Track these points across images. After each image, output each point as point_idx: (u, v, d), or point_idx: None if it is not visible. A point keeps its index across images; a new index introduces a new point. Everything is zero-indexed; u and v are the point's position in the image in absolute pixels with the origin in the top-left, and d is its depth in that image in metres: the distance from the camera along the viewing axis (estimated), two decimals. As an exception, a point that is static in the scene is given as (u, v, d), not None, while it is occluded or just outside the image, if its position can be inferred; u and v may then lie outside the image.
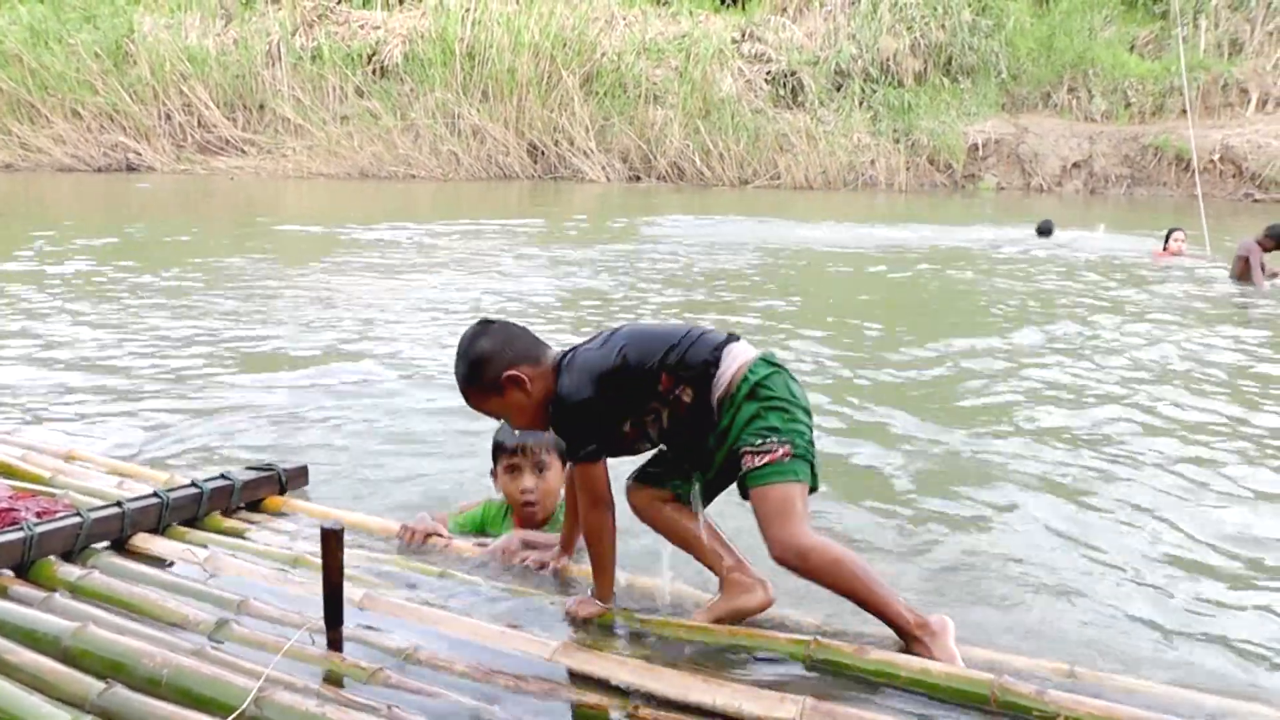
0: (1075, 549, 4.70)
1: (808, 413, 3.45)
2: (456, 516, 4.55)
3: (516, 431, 4.15)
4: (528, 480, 4.25)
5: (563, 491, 4.27)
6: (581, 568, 3.80)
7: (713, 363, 3.41)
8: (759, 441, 3.34)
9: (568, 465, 3.65)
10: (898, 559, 4.61)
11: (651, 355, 3.42)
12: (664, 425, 3.47)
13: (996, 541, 4.80)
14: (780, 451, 3.32)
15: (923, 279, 13.25)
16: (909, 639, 3.29)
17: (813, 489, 3.41)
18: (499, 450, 4.33)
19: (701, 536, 3.53)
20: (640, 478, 3.59)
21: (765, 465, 3.33)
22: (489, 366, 3.46)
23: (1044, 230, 17.35)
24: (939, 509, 5.13)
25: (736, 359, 3.42)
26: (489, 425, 4.15)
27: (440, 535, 4.23)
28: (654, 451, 3.62)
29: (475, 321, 3.54)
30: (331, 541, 3.27)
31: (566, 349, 3.57)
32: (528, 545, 4.06)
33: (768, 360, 3.47)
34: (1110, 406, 7.03)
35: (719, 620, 3.41)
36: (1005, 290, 12.19)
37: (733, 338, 3.50)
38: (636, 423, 3.47)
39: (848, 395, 7.09)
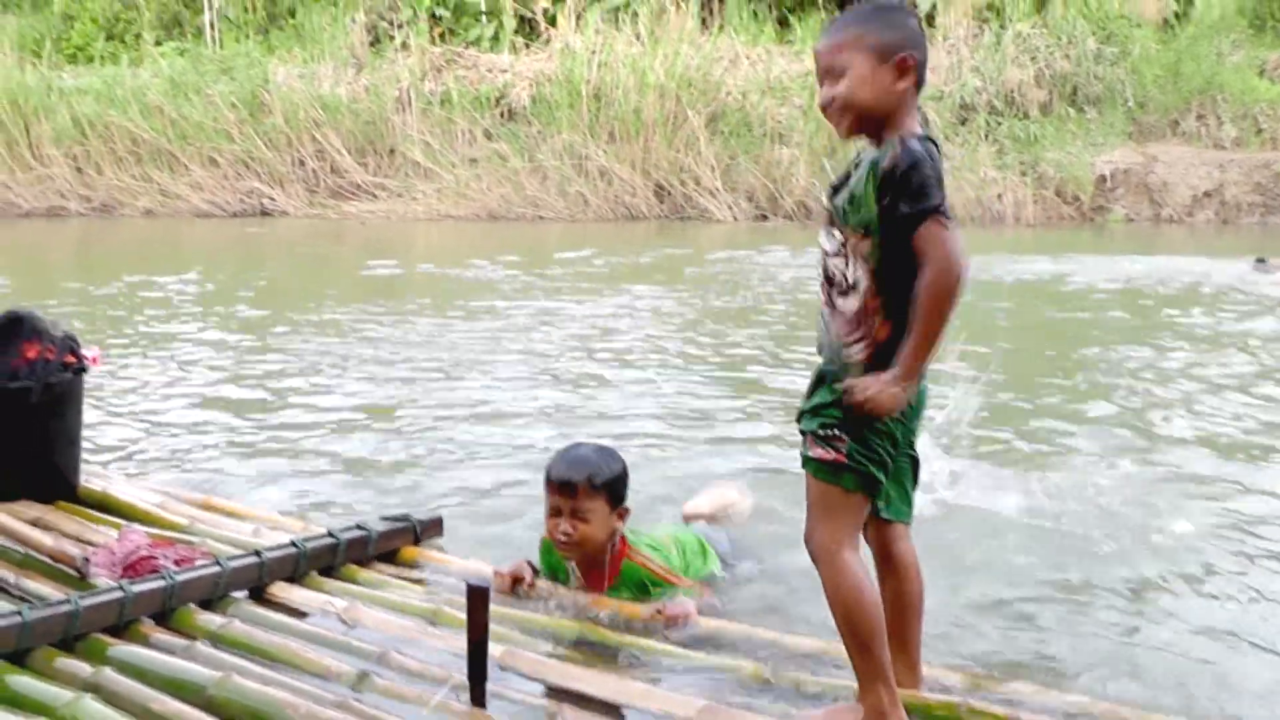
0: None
1: (897, 440, 3.30)
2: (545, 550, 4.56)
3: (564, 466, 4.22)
4: (563, 525, 4.22)
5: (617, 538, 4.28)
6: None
7: None
8: (823, 433, 3.28)
9: None
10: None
11: None
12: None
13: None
14: (831, 456, 3.25)
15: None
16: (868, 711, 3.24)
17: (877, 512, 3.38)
18: (546, 482, 4.32)
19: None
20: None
21: (817, 459, 3.28)
22: (895, 36, 3.25)
23: (1262, 263, 16.86)
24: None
25: None
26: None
27: (524, 578, 4.35)
28: None
29: None
30: (477, 599, 3.39)
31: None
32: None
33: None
34: None
35: None
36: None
37: None
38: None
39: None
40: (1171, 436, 7.77)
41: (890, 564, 3.48)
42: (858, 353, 3.25)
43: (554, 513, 4.23)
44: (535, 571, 4.51)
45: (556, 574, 4.52)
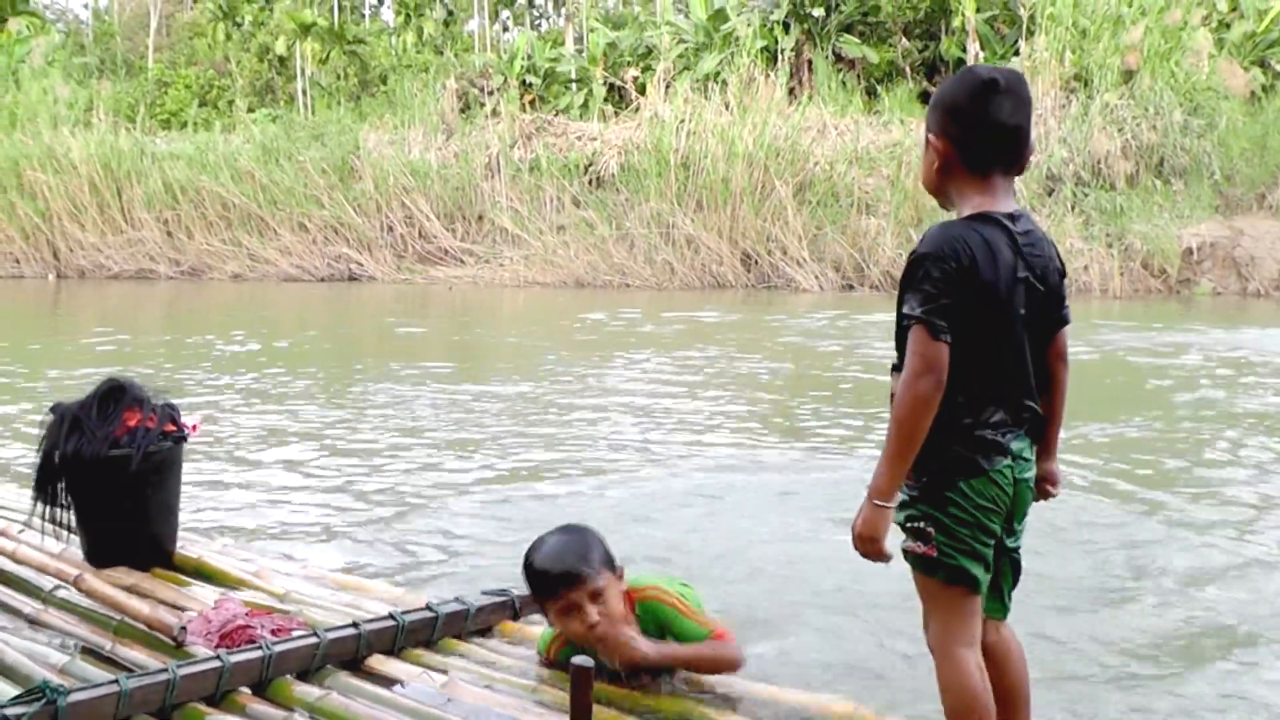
0: None
1: (992, 531, 3.16)
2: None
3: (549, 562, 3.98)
4: (592, 615, 3.93)
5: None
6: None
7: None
8: (910, 525, 3.17)
9: None
10: None
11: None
12: None
13: None
14: (921, 550, 3.15)
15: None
16: None
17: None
18: (548, 589, 4.01)
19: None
20: None
21: (909, 551, 3.19)
22: (932, 115, 3.23)
23: None
24: None
25: None
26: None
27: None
28: None
29: (1010, 73, 3.19)
30: (582, 678, 3.35)
31: (1012, 216, 3.17)
32: None
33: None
34: None
35: None
36: None
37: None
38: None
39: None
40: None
41: (988, 657, 3.34)
42: None
43: (568, 611, 3.97)
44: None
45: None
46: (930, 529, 3.12)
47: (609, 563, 4.04)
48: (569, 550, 4.03)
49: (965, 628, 3.19)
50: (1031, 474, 3.26)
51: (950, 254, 3.02)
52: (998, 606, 3.37)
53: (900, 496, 3.13)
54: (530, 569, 4.05)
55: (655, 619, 4.08)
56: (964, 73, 3.23)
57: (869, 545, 3.10)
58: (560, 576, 3.95)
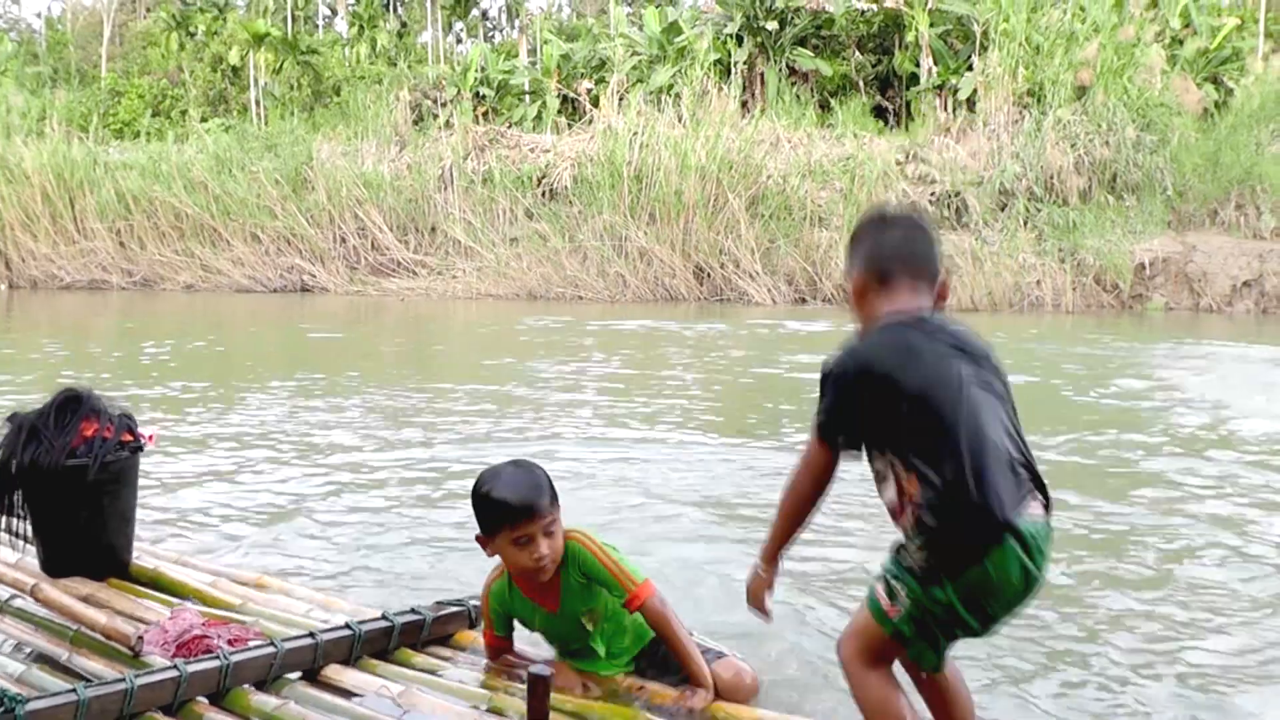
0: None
1: (970, 628, 3.11)
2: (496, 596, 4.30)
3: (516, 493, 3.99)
4: (543, 548, 4.00)
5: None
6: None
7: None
8: (893, 582, 3.16)
9: None
10: None
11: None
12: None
13: None
14: (887, 606, 3.15)
15: None
16: None
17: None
18: (506, 518, 4.01)
19: None
20: None
21: (875, 597, 3.19)
22: (850, 245, 3.51)
23: None
24: None
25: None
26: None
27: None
28: None
29: (900, 207, 3.53)
30: (539, 687, 3.40)
31: (922, 314, 3.34)
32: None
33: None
34: None
35: None
36: None
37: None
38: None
39: None
40: None
41: (931, 689, 3.44)
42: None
43: (521, 543, 3.99)
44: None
45: (519, 617, 4.33)
46: (904, 597, 3.11)
47: (556, 500, 4.06)
48: (528, 483, 4.04)
49: (885, 661, 3.25)
50: (1042, 568, 3.15)
51: (852, 369, 3.27)
52: (935, 662, 3.32)
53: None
54: (488, 498, 4.03)
55: (579, 563, 4.12)
56: (862, 214, 3.64)
57: (751, 601, 3.56)
58: (521, 507, 3.97)
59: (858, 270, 3.43)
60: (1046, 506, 3.18)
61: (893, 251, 3.40)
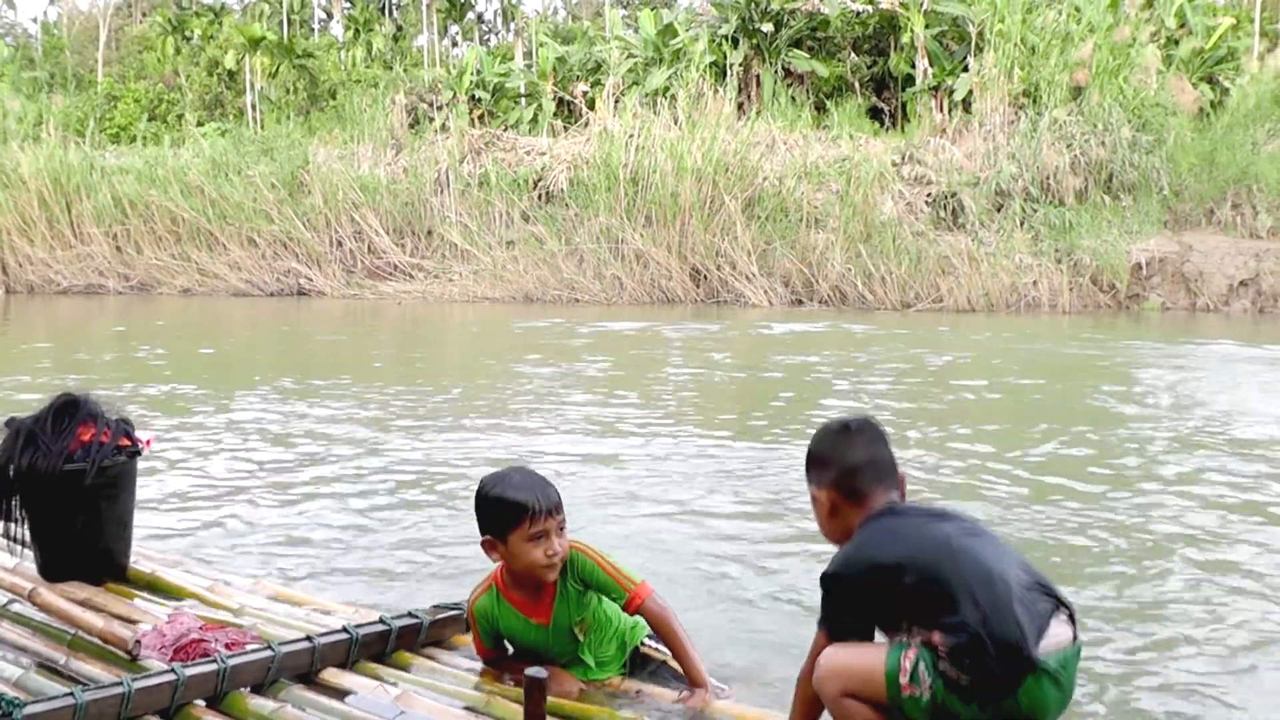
0: None
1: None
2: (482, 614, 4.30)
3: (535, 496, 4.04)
4: (556, 544, 4.05)
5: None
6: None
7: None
8: (910, 661, 3.17)
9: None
10: None
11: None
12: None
13: None
14: (907, 684, 3.14)
15: None
16: None
17: None
18: (521, 517, 4.03)
19: None
20: None
21: (900, 670, 3.19)
22: (813, 465, 3.61)
23: None
24: None
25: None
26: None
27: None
28: None
29: (856, 418, 3.64)
30: (535, 690, 3.40)
31: (893, 503, 3.50)
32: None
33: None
34: None
35: None
36: None
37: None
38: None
39: None
40: None
41: None
42: None
43: (537, 538, 4.02)
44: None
45: (508, 633, 4.30)
46: (926, 690, 3.14)
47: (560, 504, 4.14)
48: (539, 482, 4.12)
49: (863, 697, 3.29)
50: (1070, 689, 3.22)
51: (848, 573, 3.37)
52: None
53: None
54: (501, 499, 4.07)
55: (578, 568, 4.17)
56: (820, 429, 3.70)
57: None
58: (539, 503, 4.03)
59: (827, 490, 3.54)
60: (1072, 618, 3.23)
61: (863, 466, 3.53)
